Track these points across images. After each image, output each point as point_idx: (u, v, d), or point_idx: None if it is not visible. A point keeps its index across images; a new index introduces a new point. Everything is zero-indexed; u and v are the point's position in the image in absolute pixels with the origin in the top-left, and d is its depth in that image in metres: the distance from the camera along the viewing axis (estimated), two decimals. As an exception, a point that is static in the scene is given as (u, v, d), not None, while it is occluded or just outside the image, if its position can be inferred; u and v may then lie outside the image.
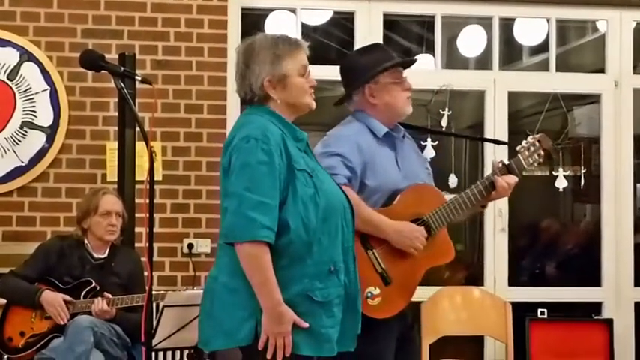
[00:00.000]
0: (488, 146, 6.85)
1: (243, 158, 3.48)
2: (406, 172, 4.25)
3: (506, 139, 6.76)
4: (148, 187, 3.88)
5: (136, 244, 5.79)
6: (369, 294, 4.01)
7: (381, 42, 6.72)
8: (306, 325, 3.48)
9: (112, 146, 6.18)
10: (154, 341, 4.51)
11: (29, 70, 6.30)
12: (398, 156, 4.29)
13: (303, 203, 3.50)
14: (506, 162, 4.28)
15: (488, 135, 6.81)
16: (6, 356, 5.41)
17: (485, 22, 7.23)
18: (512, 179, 4.24)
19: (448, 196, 4.32)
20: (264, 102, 3.66)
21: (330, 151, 4.11)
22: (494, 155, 6.77)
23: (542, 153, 4.30)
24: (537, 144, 4.31)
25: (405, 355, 4.26)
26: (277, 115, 3.63)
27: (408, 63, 4.42)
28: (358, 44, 6.73)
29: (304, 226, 3.49)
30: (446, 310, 6.27)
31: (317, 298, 3.51)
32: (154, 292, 4.79)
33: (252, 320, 3.46)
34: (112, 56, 5.87)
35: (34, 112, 6.30)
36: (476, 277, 7.20)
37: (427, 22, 7.37)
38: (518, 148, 4.33)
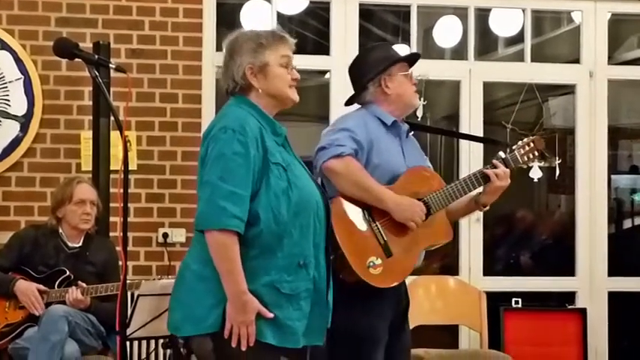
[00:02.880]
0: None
1: (219, 148, 3.50)
2: (409, 163, 4.38)
3: (481, 130, 6.80)
4: (122, 176, 3.87)
5: (111, 234, 5.78)
6: (371, 263, 4.13)
7: (357, 32, 6.77)
8: (271, 315, 3.51)
9: (87, 135, 6.16)
10: (129, 330, 4.50)
11: (2, 58, 6.26)
12: (403, 146, 4.42)
13: (275, 195, 3.54)
14: (503, 156, 4.43)
15: (463, 124, 6.85)
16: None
17: (461, 13, 7.24)
18: (503, 169, 4.38)
19: None
20: (246, 92, 3.68)
21: (337, 127, 4.28)
22: (469, 146, 6.80)
23: (536, 153, 4.48)
24: (532, 144, 4.47)
25: (398, 341, 4.33)
26: (258, 108, 3.65)
27: (415, 58, 4.58)
28: (334, 34, 6.75)
29: (275, 218, 3.52)
30: (421, 300, 6.29)
31: (284, 291, 3.54)
32: (128, 282, 4.79)
33: (221, 308, 3.48)
34: (87, 45, 5.85)
35: (8, 101, 6.27)
36: (451, 267, 7.22)
37: (403, 13, 7.38)
38: (514, 146, 4.49)
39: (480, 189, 4.40)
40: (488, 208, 4.52)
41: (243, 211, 3.47)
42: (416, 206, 4.21)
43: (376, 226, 4.19)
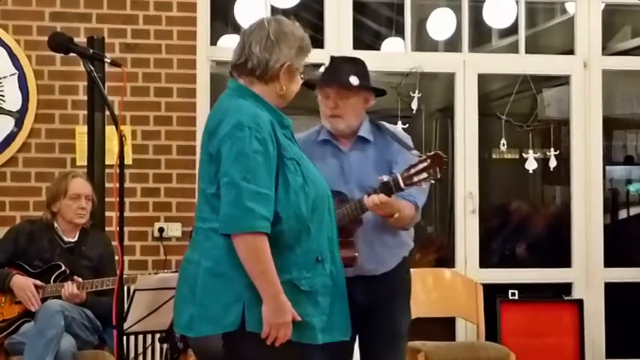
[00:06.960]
0: (457, 128, 6.86)
1: (239, 147, 3.39)
2: (354, 178, 4.23)
3: (476, 121, 6.81)
4: (117, 170, 3.87)
5: (107, 229, 5.78)
6: None
7: (351, 25, 6.75)
8: (299, 319, 3.44)
9: (82, 130, 6.16)
10: (126, 325, 4.50)
11: (-4, 54, 6.26)
12: (344, 162, 4.27)
13: (294, 193, 3.47)
14: (385, 179, 4.06)
15: (458, 116, 6.86)
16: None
17: (455, 5, 7.24)
18: (380, 198, 4.03)
19: None
20: (264, 80, 3.56)
21: None
22: (464, 138, 6.81)
23: (431, 172, 4.03)
24: (428, 161, 4.05)
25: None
26: (263, 100, 3.56)
27: (319, 82, 4.33)
28: (328, 27, 6.74)
29: (296, 217, 3.46)
30: (417, 292, 6.23)
31: (303, 288, 3.48)
32: (124, 276, 4.79)
33: (240, 305, 3.41)
34: (81, 40, 5.84)
35: (2, 96, 6.26)
36: (447, 259, 7.22)
37: (396, 5, 7.37)
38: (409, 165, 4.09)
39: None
40: (397, 215, 4.10)
41: (270, 211, 3.39)
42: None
43: None
